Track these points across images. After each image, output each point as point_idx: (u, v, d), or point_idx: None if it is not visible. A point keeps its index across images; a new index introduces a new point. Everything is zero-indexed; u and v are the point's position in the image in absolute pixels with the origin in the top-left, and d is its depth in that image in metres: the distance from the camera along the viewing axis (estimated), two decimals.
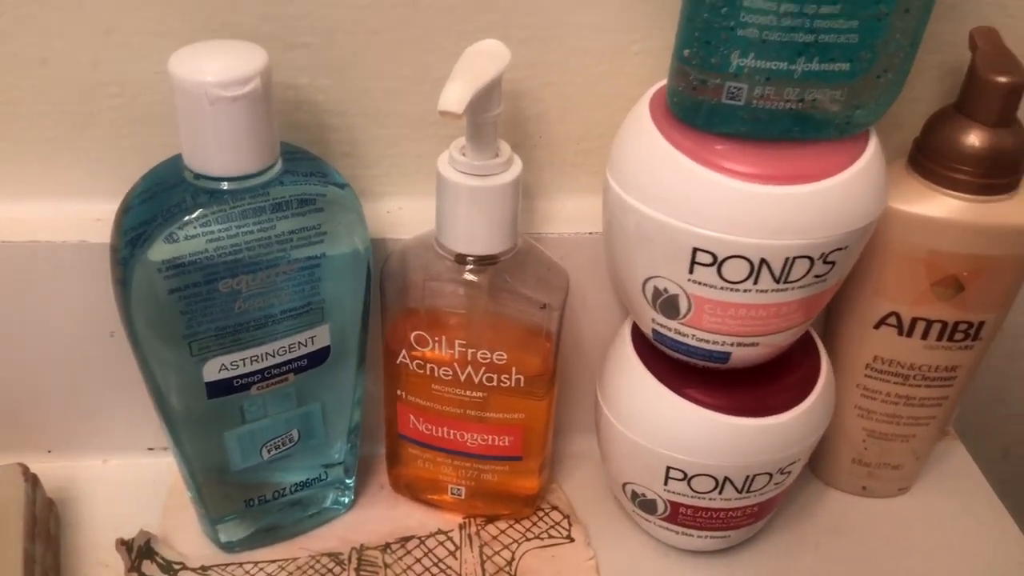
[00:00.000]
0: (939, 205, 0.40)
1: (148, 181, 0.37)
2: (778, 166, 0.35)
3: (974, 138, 0.39)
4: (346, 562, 0.45)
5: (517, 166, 0.38)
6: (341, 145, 0.43)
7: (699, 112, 0.35)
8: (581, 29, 0.41)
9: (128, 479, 0.48)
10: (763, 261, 0.35)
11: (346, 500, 0.47)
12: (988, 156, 0.39)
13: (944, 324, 0.42)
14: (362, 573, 0.44)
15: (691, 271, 0.36)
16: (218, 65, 0.33)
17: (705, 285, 0.36)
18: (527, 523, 0.47)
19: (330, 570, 0.44)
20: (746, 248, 0.35)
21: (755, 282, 0.36)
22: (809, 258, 0.35)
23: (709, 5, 0.32)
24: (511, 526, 0.47)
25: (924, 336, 0.43)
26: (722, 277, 0.36)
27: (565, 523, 0.47)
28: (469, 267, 0.39)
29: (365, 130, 0.43)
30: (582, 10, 0.40)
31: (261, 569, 0.44)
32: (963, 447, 0.53)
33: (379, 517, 0.47)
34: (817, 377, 0.42)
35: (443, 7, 0.40)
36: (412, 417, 0.44)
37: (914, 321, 0.43)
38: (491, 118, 0.36)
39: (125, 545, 0.43)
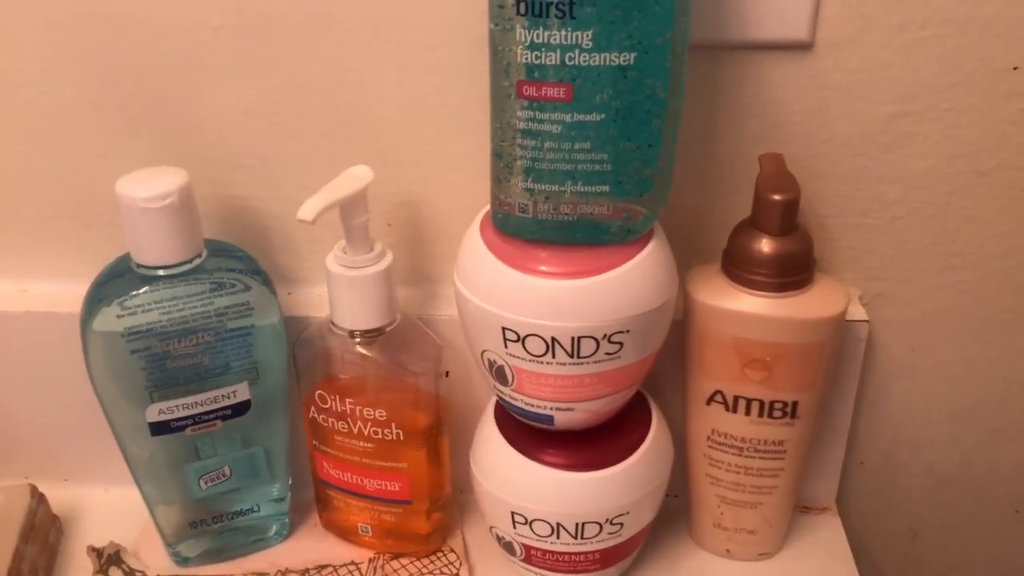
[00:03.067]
0: (742, 301, 0.47)
1: (105, 272, 0.50)
2: (569, 264, 0.43)
3: (764, 245, 0.46)
4: None
5: (388, 258, 0.49)
6: (280, 241, 0.55)
7: (506, 222, 0.44)
8: (455, 156, 0.52)
9: (124, 504, 0.60)
10: (554, 339, 0.44)
11: (284, 532, 0.57)
12: (776, 260, 0.46)
13: (761, 402, 0.49)
14: None
15: (505, 346, 0.45)
16: (146, 185, 0.45)
17: (517, 358, 0.45)
18: (426, 561, 0.56)
19: None
20: (538, 328, 0.44)
21: (553, 356, 0.44)
22: (593, 338, 0.44)
23: (498, 147, 0.42)
24: (412, 562, 0.55)
25: (747, 412, 0.50)
26: (527, 351, 0.45)
27: (456, 563, 0.55)
28: (356, 340, 0.50)
29: (298, 230, 0.55)
30: (455, 140, 0.51)
31: None
32: (839, 522, 0.58)
33: (308, 548, 0.57)
34: (642, 442, 0.49)
35: (347, 138, 0.51)
36: (324, 463, 0.54)
37: (736, 399, 0.50)
38: (359, 223, 0.47)
39: (95, 552, 0.54)
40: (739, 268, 0.47)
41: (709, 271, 0.49)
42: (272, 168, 0.53)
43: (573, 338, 0.44)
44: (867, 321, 0.53)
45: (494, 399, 0.52)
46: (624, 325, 0.44)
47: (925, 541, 0.64)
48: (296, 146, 0.52)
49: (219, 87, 0.50)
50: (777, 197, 0.45)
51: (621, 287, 0.43)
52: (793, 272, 0.47)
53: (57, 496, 0.58)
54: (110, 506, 0.60)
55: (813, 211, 0.52)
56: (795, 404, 0.49)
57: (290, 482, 0.57)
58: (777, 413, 0.49)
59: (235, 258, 0.50)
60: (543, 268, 0.43)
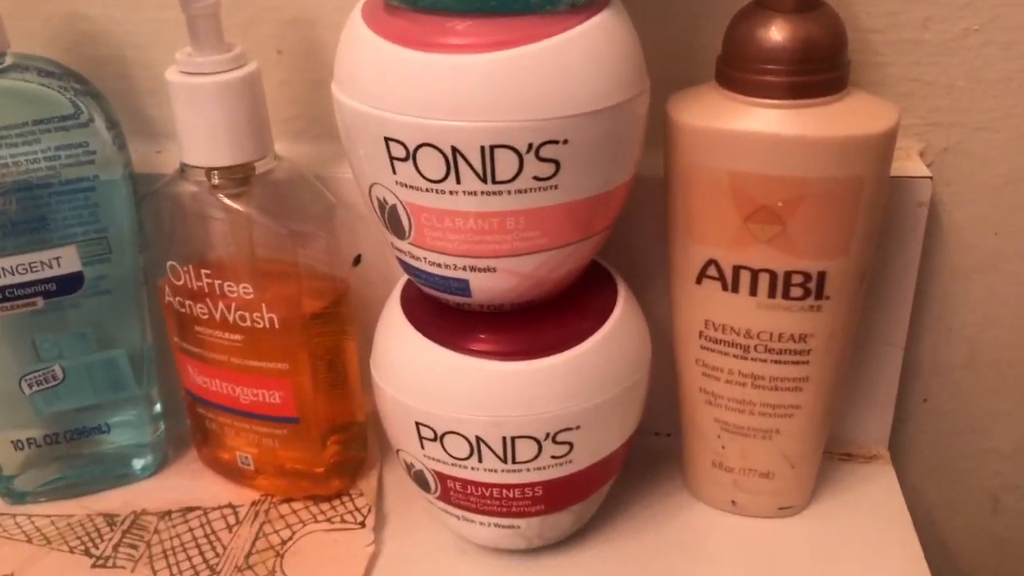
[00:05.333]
0: (742, 117, 0.33)
1: None
2: (482, 35, 0.30)
3: (773, 30, 0.32)
4: (117, 524, 0.41)
5: (250, 66, 0.35)
6: (145, 81, 0.42)
7: None
8: None
9: None
10: (455, 151, 0.30)
11: (152, 467, 0.44)
12: (791, 49, 0.32)
13: (773, 274, 0.34)
14: (128, 536, 0.40)
15: (393, 170, 0.31)
16: None
17: (410, 188, 0.31)
18: (325, 506, 0.41)
19: (98, 529, 0.41)
20: (432, 133, 0.30)
21: (458, 181, 0.30)
22: (513, 149, 0.30)
23: None
24: (306, 507, 0.42)
25: (753, 291, 0.35)
26: (421, 174, 0.31)
27: (365, 510, 0.41)
28: (215, 183, 0.36)
29: (166, 64, 0.42)
30: None
31: (32, 522, 0.42)
32: (892, 473, 0.42)
33: (177, 486, 0.43)
34: (601, 324, 0.35)
35: None
36: (189, 367, 0.41)
37: (736, 270, 0.35)
38: (205, 7, 0.34)
39: None
40: (739, 69, 0.33)
41: (701, 89, 0.35)
42: None
43: (483, 148, 0.29)
44: (930, 178, 0.38)
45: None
46: (558, 130, 0.29)
47: (1010, 512, 0.47)
48: None
49: None
50: None
51: (551, 68, 0.29)
52: (815, 70, 0.32)
53: None
54: None
55: (853, 23, 0.37)
56: (822, 276, 0.34)
57: (159, 408, 0.44)
58: (796, 290, 0.34)
59: (55, 75, 0.37)
60: (446, 42, 0.30)
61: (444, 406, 0.34)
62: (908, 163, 0.39)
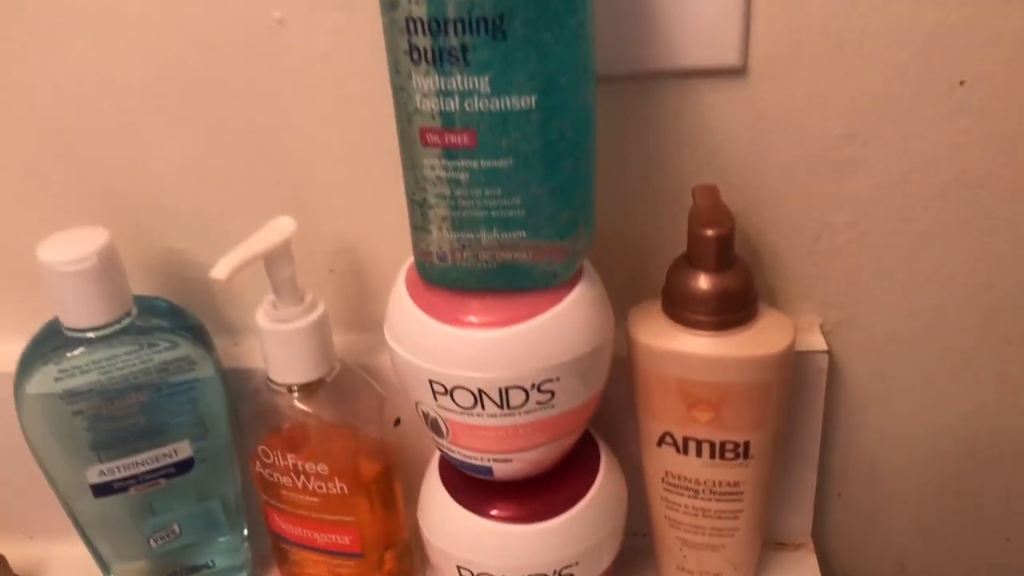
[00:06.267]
0: (682, 341, 0.45)
1: (37, 334, 0.49)
2: (493, 313, 0.42)
3: (701, 282, 0.45)
4: None
5: (319, 310, 0.48)
6: (221, 292, 0.54)
7: (428, 271, 0.43)
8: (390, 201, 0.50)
9: (91, 560, 0.60)
10: (481, 391, 0.42)
11: None
12: (714, 297, 0.44)
13: (712, 443, 0.47)
14: None
15: (435, 398, 0.44)
16: (65, 248, 0.45)
17: (448, 410, 0.44)
18: None
19: None
20: (463, 380, 0.42)
21: (483, 408, 0.43)
22: (521, 388, 0.42)
23: (411, 195, 0.41)
24: None
25: (699, 454, 0.48)
26: (456, 403, 0.43)
27: None
28: (294, 394, 0.49)
29: (236, 280, 0.53)
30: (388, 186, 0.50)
31: None
32: (814, 559, 0.56)
33: None
34: (587, 491, 0.47)
35: (282, 187, 0.50)
36: (276, 517, 0.53)
37: (686, 440, 0.48)
38: (285, 276, 0.46)
39: None
40: (677, 306, 0.45)
41: (650, 308, 0.47)
42: (207, 220, 0.52)
43: (500, 389, 0.42)
44: (826, 352, 0.51)
45: (437, 455, 0.51)
46: (552, 373, 0.42)
47: (912, 574, 0.61)
48: (231, 197, 0.51)
49: (151, 144, 0.50)
50: (710, 232, 0.43)
51: (545, 335, 0.42)
52: (733, 309, 0.45)
53: (22, 554, 0.58)
54: (78, 562, 0.60)
55: (763, 239, 0.50)
56: (747, 444, 0.47)
57: (246, 534, 0.56)
58: (729, 454, 0.47)
59: (164, 315, 0.50)
60: (466, 318, 0.42)
61: (477, 555, 0.47)
62: (811, 336, 0.52)
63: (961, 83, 0.45)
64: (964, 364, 0.53)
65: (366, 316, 0.54)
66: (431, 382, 0.43)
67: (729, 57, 0.45)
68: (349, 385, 0.50)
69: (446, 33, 0.36)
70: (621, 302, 0.46)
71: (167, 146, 0.50)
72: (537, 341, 0.42)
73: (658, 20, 0.44)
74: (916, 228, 0.49)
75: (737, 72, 0.45)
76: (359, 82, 0.47)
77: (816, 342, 0.51)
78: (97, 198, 0.52)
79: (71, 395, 0.48)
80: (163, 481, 0.51)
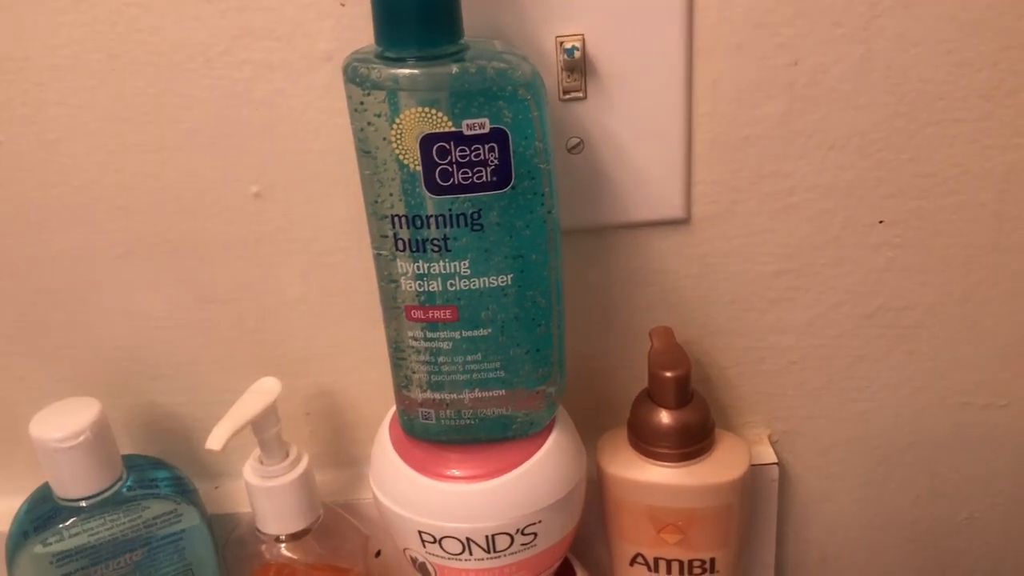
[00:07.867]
0: (649, 472, 0.49)
1: (30, 500, 0.50)
2: (477, 466, 0.45)
3: (663, 418, 0.48)
4: None
5: (303, 463, 0.50)
6: (201, 440, 0.55)
7: (411, 426, 0.46)
8: (363, 348, 0.53)
9: None
10: (469, 539, 0.45)
11: None
12: (676, 432, 0.48)
13: (681, 562, 0.51)
14: None
15: (424, 546, 0.46)
16: (58, 423, 0.46)
17: (436, 556, 0.46)
18: None
19: None
20: (450, 531, 0.45)
21: (470, 553, 0.46)
22: (507, 534, 0.45)
23: (394, 359, 0.44)
24: None
25: (669, 572, 0.51)
26: (445, 550, 0.46)
27: None
28: (282, 543, 0.51)
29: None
30: (362, 333, 0.53)
31: None
32: None
33: None
34: None
35: (257, 341, 0.53)
36: None
37: (656, 560, 0.51)
38: (271, 435, 0.48)
39: None
40: (642, 440, 0.49)
41: (617, 440, 0.51)
42: (188, 376, 0.54)
43: (487, 536, 0.45)
44: (776, 464, 0.55)
45: None
46: (535, 517, 0.45)
47: None
48: (210, 353, 0.53)
49: (129, 307, 0.52)
50: (669, 374, 0.47)
51: (528, 482, 0.45)
52: (694, 441, 0.49)
53: None
54: None
55: (714, 364, 0.54)
56: (712, 560, 0.51)
57: None
58: (697, 570, 0.51)
59: (149, 472, 0.51)
60: (452, 472, 0.45)
61: None
62: (761, 448, 0.56)
63: (880, 222, 0.50)
64: (898, 463, 0.58)
65: (343, 452, 0.57)
66: (420, 532, 0.46)
67: (674, 210, 0.49)
68: (334, 528, 0.52)
69: (428, 226, 0.40)
70: (588, 425, 0.50)
71: (140, 308, 0.52)
72: (521, 489, 0.45)
73: (612, 182, 0.48)
74: (849, 347, 0.54)
75: (682, 222, 0.50)
76: (335, 247, 0.50)
77: (766, 454, 0.55)
78: (79, 359, 0.53)
79: (61, 558, 0.49)
80: None
